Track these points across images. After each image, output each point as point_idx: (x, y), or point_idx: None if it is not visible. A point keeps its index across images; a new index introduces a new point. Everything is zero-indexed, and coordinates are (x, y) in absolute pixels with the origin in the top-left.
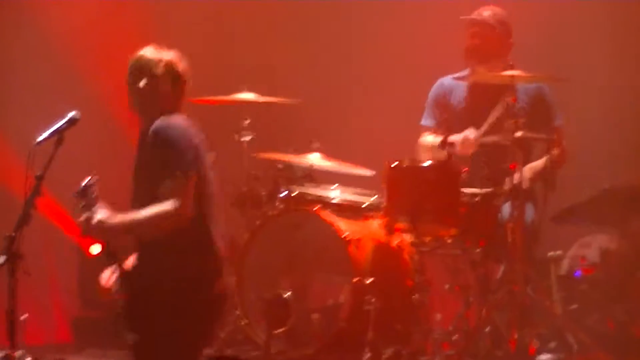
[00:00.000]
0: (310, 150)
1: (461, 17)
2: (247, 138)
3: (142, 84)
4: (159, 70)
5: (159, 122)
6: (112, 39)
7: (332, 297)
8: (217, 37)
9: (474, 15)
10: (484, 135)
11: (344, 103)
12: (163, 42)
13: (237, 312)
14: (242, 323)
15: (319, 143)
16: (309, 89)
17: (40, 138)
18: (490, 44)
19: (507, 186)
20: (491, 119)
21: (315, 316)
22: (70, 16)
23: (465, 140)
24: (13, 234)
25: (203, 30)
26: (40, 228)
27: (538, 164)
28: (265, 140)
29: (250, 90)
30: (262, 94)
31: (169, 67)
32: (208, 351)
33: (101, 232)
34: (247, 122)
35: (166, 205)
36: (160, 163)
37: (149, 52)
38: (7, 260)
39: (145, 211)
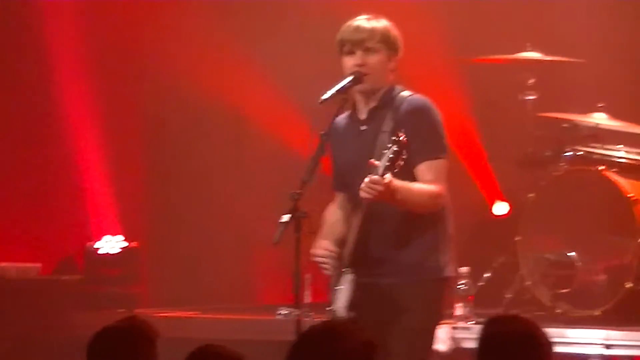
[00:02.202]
0: (596, 109)
1: None
2: (531, 97)
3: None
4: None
5: (420, 98)
6: None
7: (618, 258)
8: None
9: None
10: None
11: (631, 62)
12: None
13: (521, 273)
14: (527, 283)
15: (604, 102)
16: (595, 47)
17: (325, 96)
18: None
19: None
20: None
21: (600, 277)
22: None
23: None
24: (298, 192)
25: None
26: (324, 186)
27: None
28: (549, 100)
29: (534, 49)
30: (547, 52)
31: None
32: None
33: (387, 192)
34: (532, 81)
35: (435, 188)
36: (423, 140)
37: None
38: (292, 218)
39: (420, 186)
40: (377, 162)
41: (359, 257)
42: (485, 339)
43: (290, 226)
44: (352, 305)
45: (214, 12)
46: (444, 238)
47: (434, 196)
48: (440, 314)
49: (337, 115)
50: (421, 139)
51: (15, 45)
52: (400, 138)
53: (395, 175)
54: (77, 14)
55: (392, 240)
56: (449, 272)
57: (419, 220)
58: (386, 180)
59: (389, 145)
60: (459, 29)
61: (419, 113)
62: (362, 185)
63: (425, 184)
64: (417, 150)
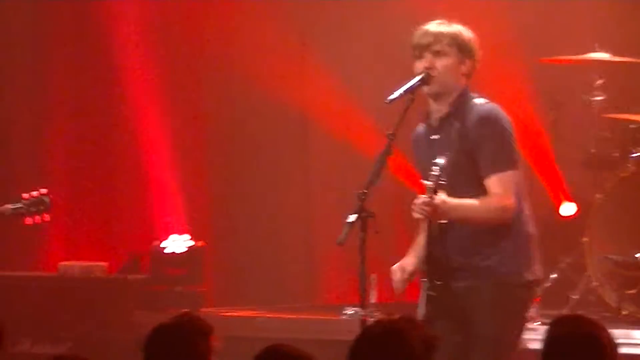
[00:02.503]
0: None
1: None
2: (599, 98)
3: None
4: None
5: (490, 107)
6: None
7: None
8: None
9: None
10: None
11: None
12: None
13: (587, 274)
14: (593, 284)
15: None
16: None
17: (392, 96)
18: None
19: None
20: None
21: None
22: None
23: None
24: (364, 192)
25: None
26: (390, 187)
27: None
28: (617, 101)
29: (602, 49)
30: (615, 53)
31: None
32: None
33: (441, 211)
34: (600, 82)
35: (502, 201)
36: (491, 152)
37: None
38: (358, 218)
39: (483, 203)
40: (426, 183)
41: (435, 265)
42: (549, 340)
43: (356, 226)
44: (427, 314)
45: (282, 13)
46: (521, 242)
47: (501, 210)
48: (520, 318)
49: (403, 116)
50: (489, 151)
51: (84, 47)
52: (440, 161)
53: (468, 185)
54: (144, 15)
55: (467, 247)
56: (528, 276)
57: (492, 228)
58: (436, 201)
59: (434, 167)
60: (527, 29)
61: (487, 124)
62: (413, 205)
63: (490, 198)
64: (486, 163)
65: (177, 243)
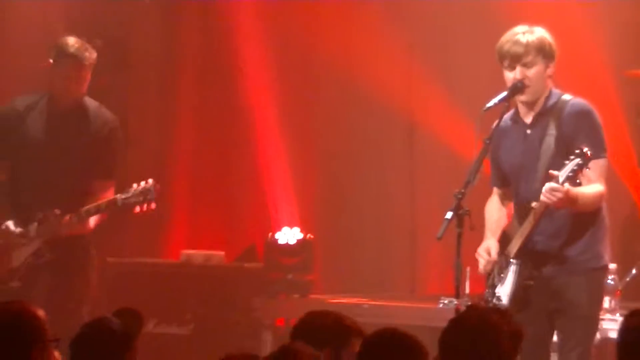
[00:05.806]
0: None
1: None
2: None
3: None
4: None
5: (584, 102)
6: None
7: None
8: None
9: None
10: None
11: None
12: None
13: None
14: None
15: None
16: None
17: (488, 105)
18: None
19: None
20: None
21: None
22: None
23: None
24: (461, 192)
25: None
26: (485, 186)
27: None
28: None
29: None
30: None
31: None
32: None
33: (567, 200)
34: None
35: (602, 188)
36: (590, 140)
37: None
38: (454, 215)
39: (593, 190)
40: (556, 173)
41: (528, 252)
42: (624, 331)
43: (453, 222)
44: (517, 296)
45: (390, 20)
46: (602, 230)
47: (602, 196)
48: (602, 300)
49: (500, 121)
50: (586, 139)
51: (209, 55)
52: (585, 150)
53: (558, 170)
54: (260, 19)
55: (560, 236)
56: (606, 261)
57: (583, 216)
58: (566, 189)
59: (572, 157)
60: (619, 41)
61: (583, 115)
62: (543, 190)
63: (593, 185)
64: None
65: (289, 235)
